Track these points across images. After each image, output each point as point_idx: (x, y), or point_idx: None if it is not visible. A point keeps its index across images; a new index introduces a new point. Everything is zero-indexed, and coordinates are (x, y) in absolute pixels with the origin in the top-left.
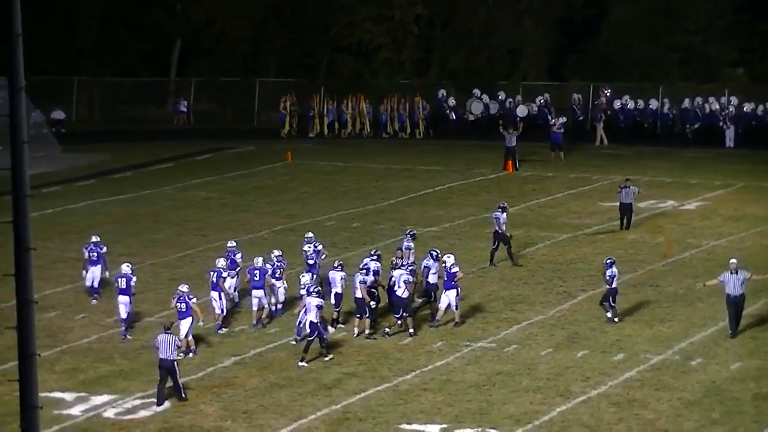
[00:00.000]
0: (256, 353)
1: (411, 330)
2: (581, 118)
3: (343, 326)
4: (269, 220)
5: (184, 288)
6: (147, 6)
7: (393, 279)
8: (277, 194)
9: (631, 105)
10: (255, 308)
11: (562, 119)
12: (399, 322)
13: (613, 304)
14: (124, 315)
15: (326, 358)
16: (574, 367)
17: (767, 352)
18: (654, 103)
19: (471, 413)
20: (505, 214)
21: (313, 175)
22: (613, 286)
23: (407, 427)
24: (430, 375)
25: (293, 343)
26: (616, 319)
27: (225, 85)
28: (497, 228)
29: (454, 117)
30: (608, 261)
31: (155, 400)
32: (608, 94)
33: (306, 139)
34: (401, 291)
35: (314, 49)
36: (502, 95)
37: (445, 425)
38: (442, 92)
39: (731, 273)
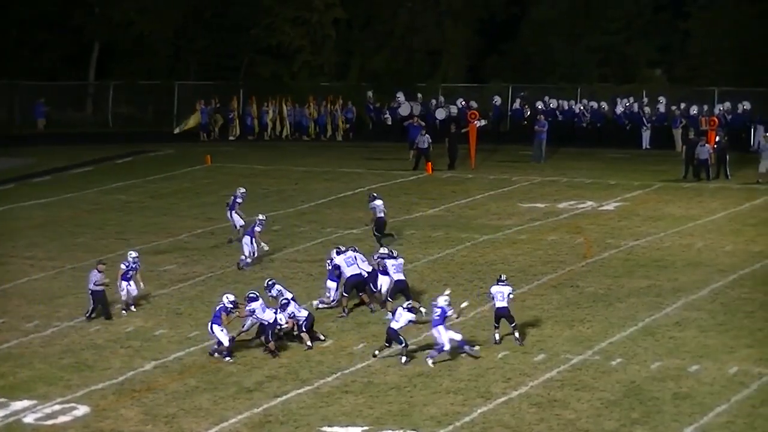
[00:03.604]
0: (177, 357)
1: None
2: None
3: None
4: (189, 223)
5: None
6: (66, 8)
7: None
8: (197, 197)
9: (553, 105)
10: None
11: (483, 121)
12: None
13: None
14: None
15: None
16: (494, 368)
17: (686, 352)
18: (568, 104)
19: (392, 415)
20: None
21: (234, 178)
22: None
23: (328, 429)
24: (351, 377)
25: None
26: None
27: (144, 88)
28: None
29: (375, 119)
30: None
31: (75, 404)
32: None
33: (226, 142)
34: None
35: (234, 51)
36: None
37: (366, 427)
38: (369, 94)
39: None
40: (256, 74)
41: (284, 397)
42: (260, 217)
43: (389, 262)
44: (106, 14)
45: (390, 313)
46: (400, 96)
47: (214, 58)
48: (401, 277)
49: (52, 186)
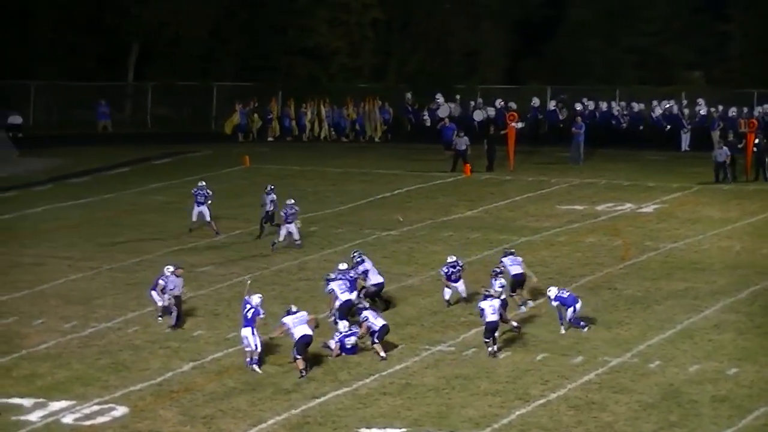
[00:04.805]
0: (214, 358)
1: None
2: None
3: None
4: (228, 224)
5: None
6: (102, 9)
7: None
8: (235, 198)
9: (591, 106)
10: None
11: (520, 123)
12: None
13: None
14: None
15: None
16: (532, 370)
17: (725, 355)
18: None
19: (430, 417)
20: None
21: (271, 179)
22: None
23: (366, 431)
24: (390, 379)
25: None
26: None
27: (182, 89)
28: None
29: (414, 120)
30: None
31: (113, 405)
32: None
33: (264, 143)
34: None
35: (271, 53)
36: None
37: (404, 429)
38: (408, 95)
39: None
40: (294, 75)
41: (322, 399)
42: (289, 201)
43: (507, 259)
44: (142, 16)
45: (480, 309)
46: (440, 98)
47: (252, 60)
48: (520, 270)
49: (90, 187)
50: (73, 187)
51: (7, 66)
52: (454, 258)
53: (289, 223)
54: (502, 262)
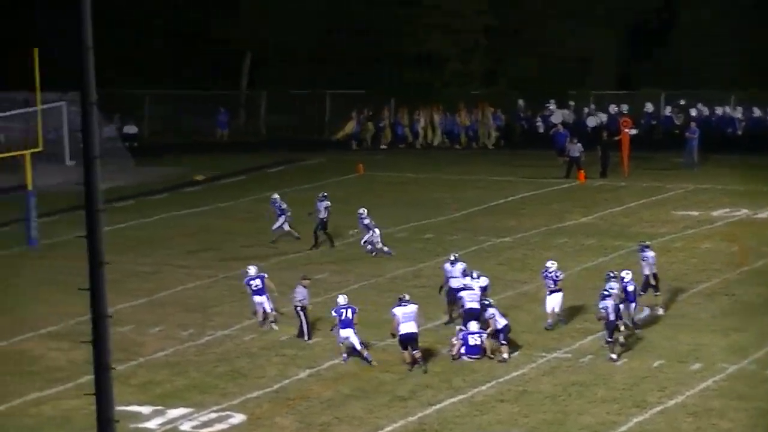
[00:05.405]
0: (331, 365)
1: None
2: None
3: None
4: (342, 232)
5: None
6: (214, 19)
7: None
8: (349, 206)
9: (706, 111)
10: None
11: (634, 130)
12: None
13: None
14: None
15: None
16: (650, 377)
17: None
18: (723, 111)
19: (547, 424)
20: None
21: (385, 187)
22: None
23: None
24: (506, 386)
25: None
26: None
27: (294, 97)
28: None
29: (527, 127)
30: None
31: (230, 412)
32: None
33: (377, 151)
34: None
35: (383, 60)
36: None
37: None
38: (520, 103)
39: None
40: (406, 82)
41: (438, 406)
42: (360, 211)
43: (650, 255)
44: (253, 25)
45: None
46: (552, 104)
47: (363, 67)
48: (655, 270)
49: (206, 195)
50: (188, 195)
51: (121, 76)
52: (549, 263)
53: (371, 230)
54: (645, 257)
